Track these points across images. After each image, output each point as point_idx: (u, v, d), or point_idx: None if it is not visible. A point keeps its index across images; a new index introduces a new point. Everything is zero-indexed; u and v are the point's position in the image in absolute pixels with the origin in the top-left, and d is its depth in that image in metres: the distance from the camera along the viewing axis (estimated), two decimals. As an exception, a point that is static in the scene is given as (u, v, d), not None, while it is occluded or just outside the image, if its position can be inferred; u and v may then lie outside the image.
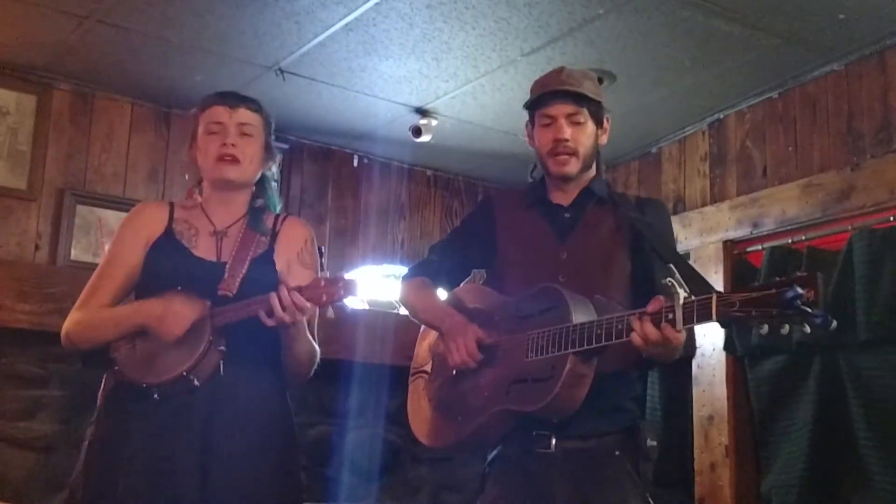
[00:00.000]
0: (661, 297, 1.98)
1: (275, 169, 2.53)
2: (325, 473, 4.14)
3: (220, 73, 3.95)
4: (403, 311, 4.30)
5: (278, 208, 2.53)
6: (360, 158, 4.83)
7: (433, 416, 2.35)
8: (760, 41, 3.56)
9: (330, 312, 2.28)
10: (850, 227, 3.59)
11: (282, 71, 3.90)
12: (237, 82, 4.02)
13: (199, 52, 3.77)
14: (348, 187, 4.81)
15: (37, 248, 3.98)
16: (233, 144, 2.35)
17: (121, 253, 2.41)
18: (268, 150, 2.46)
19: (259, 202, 2.46)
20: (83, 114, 4.15)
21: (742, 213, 4.04)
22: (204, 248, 2.37)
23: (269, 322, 2.17)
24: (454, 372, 2.29)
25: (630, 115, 4.11)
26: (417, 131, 4.31)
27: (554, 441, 2.18)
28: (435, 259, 2.55)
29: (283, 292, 2.16)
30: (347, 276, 2.23)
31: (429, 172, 5.10)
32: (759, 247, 3.95)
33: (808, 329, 1.76)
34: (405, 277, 2.57)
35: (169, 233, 2.38)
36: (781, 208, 3.87)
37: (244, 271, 2.31)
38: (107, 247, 3.84)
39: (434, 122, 4.31)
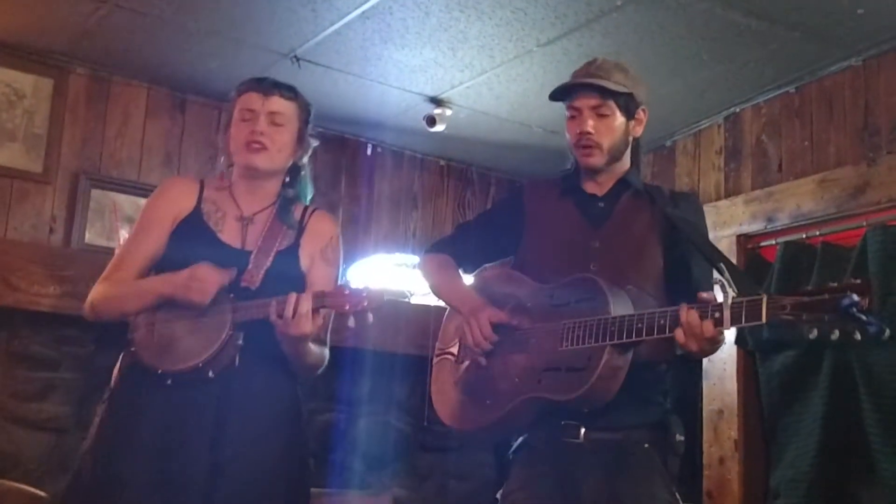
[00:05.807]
0: (711, 294, 1.97)
1: (306, 159, 2.49)
2: (334, 460, 4.15)
3: (236, 59, 3.96)
4: (416, 299, 4.34)
5: (309, 198, 2.51)
6: (374, 147, 4.83)
7: (460, 398, 2.33)
8: (778, 35, 3.54)
9: (351, 322, 2.26)
10: (864, 223, 3.57)
11: (297, 58, 3.90)
12: (253, 69, 4.02)
13: (216, 38, 3.78)
14: (361, 176, 4.81)
15: (51, 231, 4.00)
16: (261, 133, 2.33)
17: (148, 227, 2.40)
18: (300, 140, 2.43)
19: (290, 192, 2.44)
20: (99, 98, 4.17)
21: (756, 207, 4.02)
22: (229, 234, 2.36)
23: (277, 323, 2.15)
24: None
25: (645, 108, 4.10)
26: (431, 121, 4.30)
27: (583, 431, 2.16)
28: (461, 239, 2.55)
29: (307, 296, 2.14)
30: (373, 287, 2.19)
31: (442, 162, 5.10)
32: (773, 241, 3.94)
33: (858, 336, 1.76)
34: (428, 250, 2.57)
35: (197, 213, 2.37)
36: (796, 203, 3.86)
37: (269, 264, 2.31)
38: (121, 231, 3.90)
39: (448, 112, 4.30)
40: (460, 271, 2.50)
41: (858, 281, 1.77)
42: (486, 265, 2.58)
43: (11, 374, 3.64)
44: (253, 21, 3.61)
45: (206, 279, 2.20)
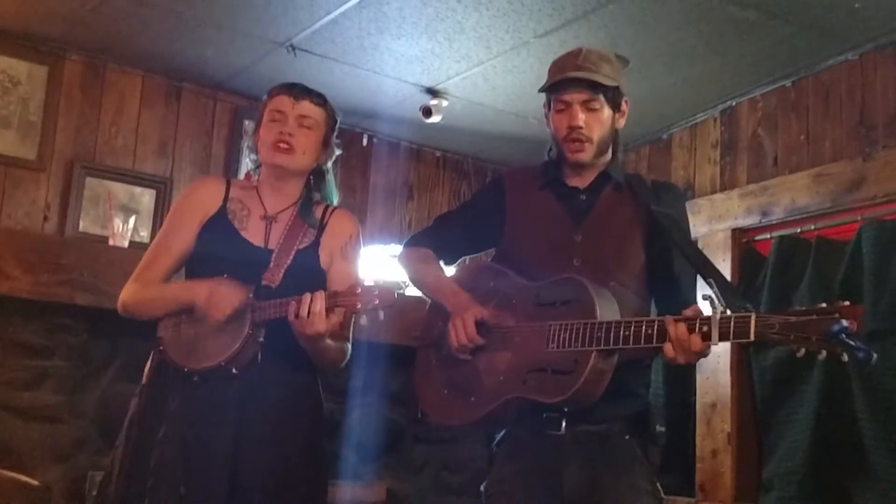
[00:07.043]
0: (698, 307, 1.98)
1: (330, 164, 2.56)
2: (329, 451, 4.16)
3: (232, 48, 3.95)
4: (410, 290, 4.32)
5: (335, 201, 2.59)
6: (370, 138, 4.82)
7: (444, 392, 2.32)
8: (775, 29, 3.53)
9: (363, 320, 2.35)
10: (859, 218, 3.57)
11: (293, 48, 3.89)
12: (248, 58, 4.02)
13: (211, 26, 3.76)
14: (357, 166, 4.81)
15: (45, 219, 3.99)
16: (289, 134, 2.42)
17: (176, 229, 2.48)
18: (325, 145, 2.52)
19: (316, 196, 2.53)
20: (94, 86, 4.15)
21: (752, 201, 4.02)
22: (253, 232, 2.44)
23: (294, 322, 2.21)
24: None
25: (642, 101, 4.06)
26: (428, 112, 4.30)
27: (564, 424, 2.17)
28: (441, 231, 2.53)
29: (319, 296, 2.20)
30: (385, 286, 2.24)
31: (438, 153, 5.09)
32: (768, 235, 3.94)
33: (845, 358, 1.75)
34: (408, 244, 2.56)
35: (222, 212, 2.46)
36: (791, 197, 3.86)
37: (289, 262, 2.38)
38: (115, 220, 3.89)
39: (444, 103, 4.30)
40: (441, 263, 2.49)
41: (848, 303, 1.77)
42: (467, 257, 2.58)
43: (4, 362, 3.64)
44: (249, 9, 3.60)
45: (225, 298, 2.28)
